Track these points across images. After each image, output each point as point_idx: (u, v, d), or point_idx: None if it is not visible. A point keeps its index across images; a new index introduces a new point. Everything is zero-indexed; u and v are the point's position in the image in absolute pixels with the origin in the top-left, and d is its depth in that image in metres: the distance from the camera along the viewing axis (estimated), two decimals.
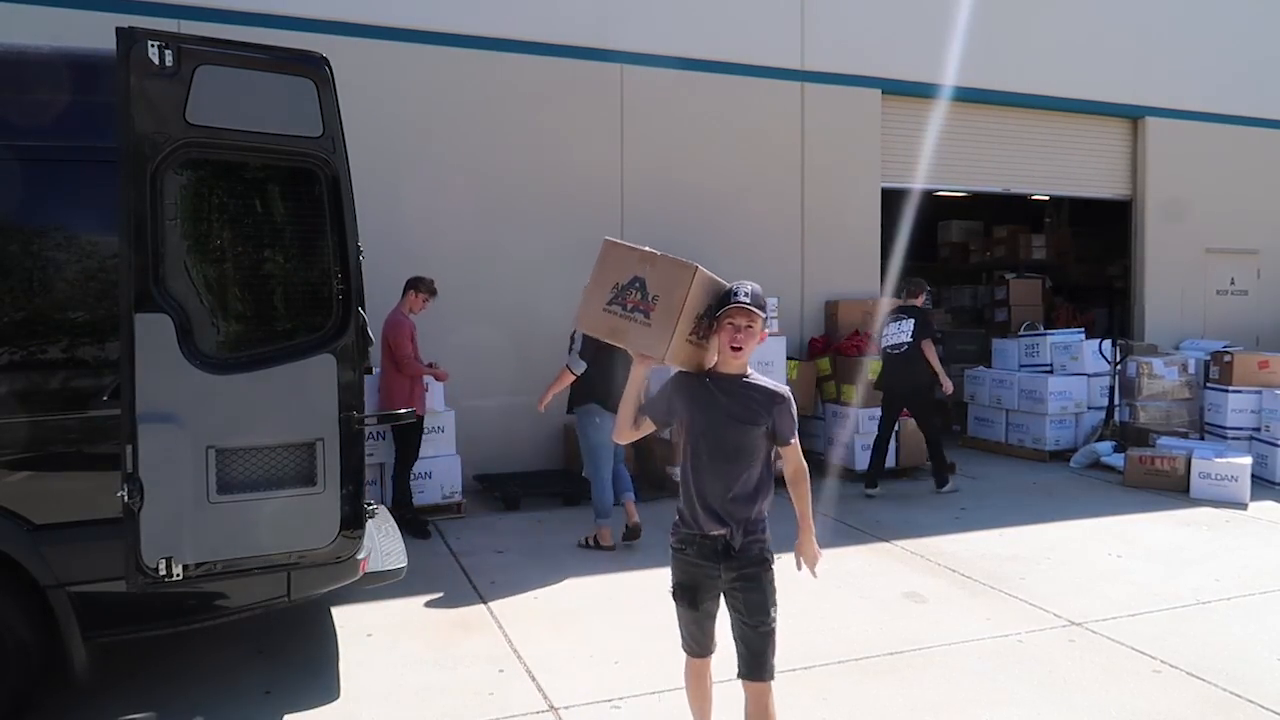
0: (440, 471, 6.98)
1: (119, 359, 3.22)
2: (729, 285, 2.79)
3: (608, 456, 6.10)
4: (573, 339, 5.94)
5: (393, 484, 6.66)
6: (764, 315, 2.74)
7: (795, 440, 2.81)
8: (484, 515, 7.10)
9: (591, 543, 6.10)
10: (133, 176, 3.19)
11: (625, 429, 2.90)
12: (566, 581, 5.43)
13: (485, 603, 5.06)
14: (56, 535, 3.38)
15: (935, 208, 12.20)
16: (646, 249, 2.72)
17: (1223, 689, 3.91)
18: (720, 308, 2.72)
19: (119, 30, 3.14)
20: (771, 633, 2.78)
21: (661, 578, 2.99)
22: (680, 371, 2.83)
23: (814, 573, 2.95)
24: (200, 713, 3.65)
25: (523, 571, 5.60)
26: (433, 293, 6.60)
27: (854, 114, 9.56)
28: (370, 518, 3.93)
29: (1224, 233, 11.52)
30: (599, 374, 5.89)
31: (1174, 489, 7.73)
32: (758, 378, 2.81)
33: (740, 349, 2.73)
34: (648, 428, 2.90)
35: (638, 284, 2.67)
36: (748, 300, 2.69)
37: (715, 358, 2.81)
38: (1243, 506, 7.30)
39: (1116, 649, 4.36)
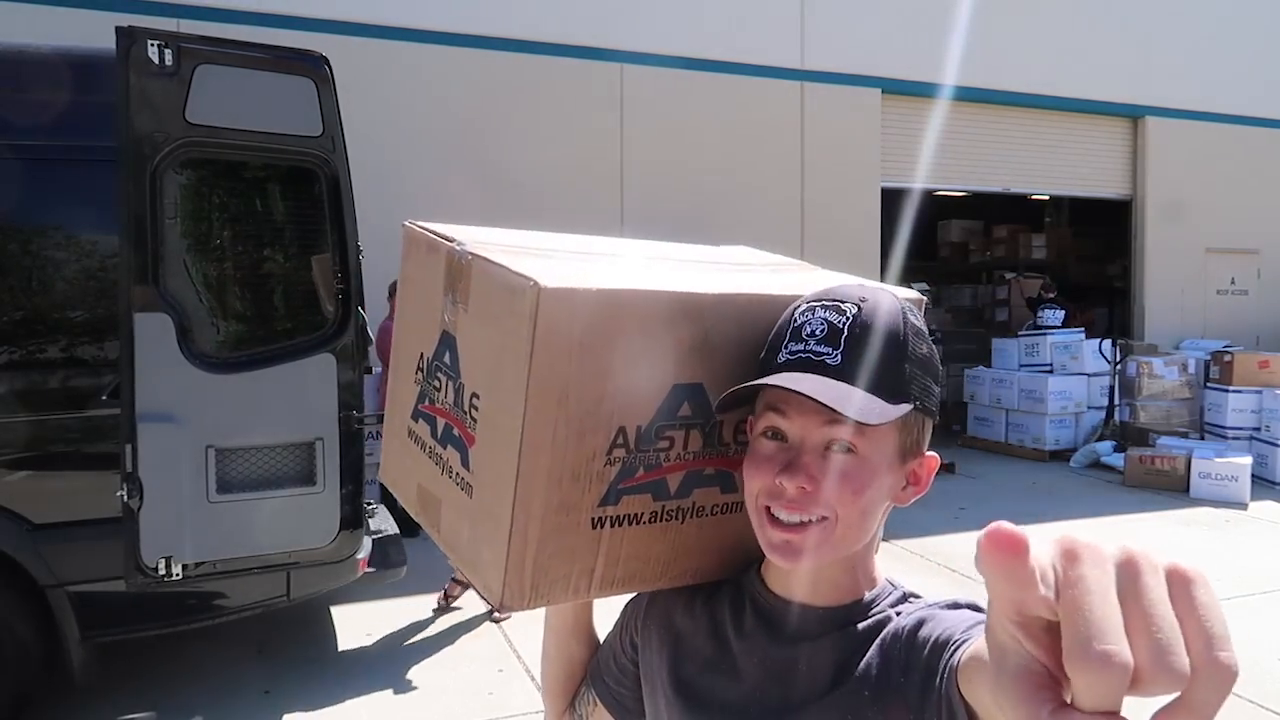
0: None
1: (119, 358, 3.22)
2: (782, 300, 0.85)
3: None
4: None
5: None
6: (916, 403, 0.79)
7: None
8: None
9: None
10: (132, 176, 3.19)
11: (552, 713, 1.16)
12: None
13: (485, 602, 5.05)
14: (56, 535, 3.38)
15: (935, 207, 12.18)
16: (459, 244, 0.94)
17: None
18: (739, 394, 0.79)
19: (119, 29, 3.14)
20: None
21: None
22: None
23: None
24: (200, 713, 3.64)
25: None
26: None
27: (854, 114, 9.55)
28: (370, 517, 3.94)
29: (1224, 233, 11.51)
30: None
31: (1174, 489, 7.72)
32: (918, 605, 0.84)
33: (796, 543, 0.78)
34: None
35: (447, 353, 0.95)
36: (827, 359, 0.76)
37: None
38: (1243, 506, 7.30)
39: None
